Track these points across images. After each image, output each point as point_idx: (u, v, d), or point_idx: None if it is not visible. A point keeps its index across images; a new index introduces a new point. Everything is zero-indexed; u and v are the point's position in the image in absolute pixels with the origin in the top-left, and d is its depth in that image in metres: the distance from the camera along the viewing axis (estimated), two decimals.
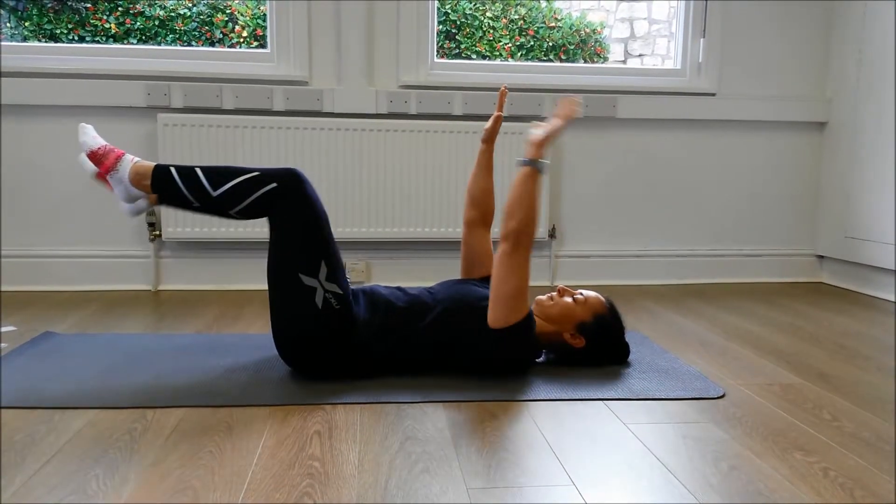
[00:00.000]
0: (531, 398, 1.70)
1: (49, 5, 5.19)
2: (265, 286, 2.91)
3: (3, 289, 2.86)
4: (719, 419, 1.60)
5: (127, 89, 2.82)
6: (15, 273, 2.87)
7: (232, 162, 2.84)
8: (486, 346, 1.79)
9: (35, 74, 2.78)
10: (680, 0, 3.20)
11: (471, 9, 5.65)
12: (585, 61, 5.96)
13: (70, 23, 5.21)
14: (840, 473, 1.34)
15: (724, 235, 3.29)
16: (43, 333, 2.19)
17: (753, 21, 3.17)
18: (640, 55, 6.94)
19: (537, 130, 1.81)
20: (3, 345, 2.10)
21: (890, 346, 2.25)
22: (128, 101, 2.83)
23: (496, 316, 1.76)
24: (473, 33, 5.67)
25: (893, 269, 2.87)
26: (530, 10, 5.83)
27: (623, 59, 6.90)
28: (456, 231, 3.00)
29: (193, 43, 5.31)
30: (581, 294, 1.93)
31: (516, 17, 5.81)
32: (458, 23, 5.64)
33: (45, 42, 5.07)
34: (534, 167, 1.76)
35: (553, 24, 5.88)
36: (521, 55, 5.78)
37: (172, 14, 5.27)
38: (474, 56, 5.65)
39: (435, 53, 3.04)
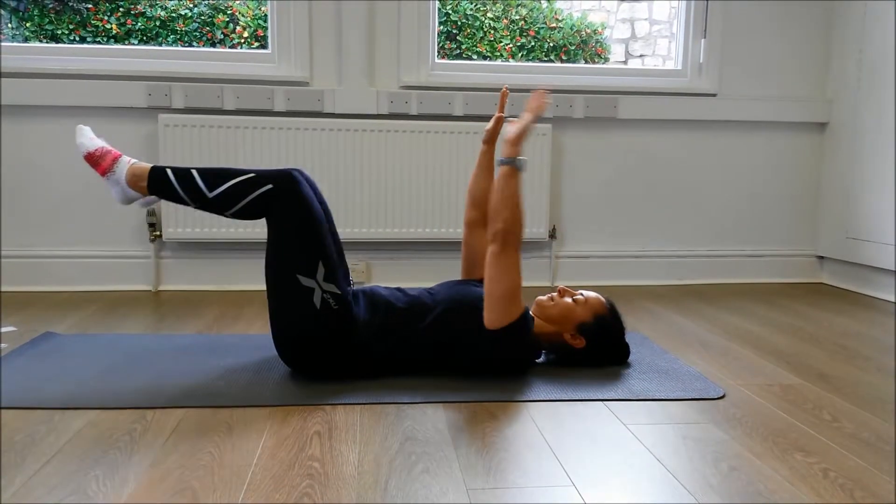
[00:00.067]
0: (531, 399, 1.70)
1: (50, 6, 5.20)
2: (265, 287, 2.91)
3: (4, 289, 2.87)
4: (719, 420, 1.60)
5: (128, 90, 2.82)
6: (15, 273, 2.87)
7: (233, 163, 2.84)
8: (485, 346, 1.79)
9: (36, 75, 2.79)
10: (681, 0, 3.20)
11: (472, 9, 5.65)
12: (586, 62, 5.97)
13: (71, 23, 5.21)
14: (840, 474, 1.34)
15: (724, 236, 3.29)
16: (43, 334, 2.19)
17: (754, 22, 3.17)
18: (640, 56, 6.94)
19: (511, 128, 1.82)
20: (3, 345, 2.10)
21: (890, 347, 2.24)
22: (129, 102, 2.83)
23: (491, 317, 1.76)
24: (474, 34, 5.67)
25: (894, 269, 2.87)
26: (531, 10, 5.84)
27: (624, 59, 6.90)
28: (456, 232, 3.00)
29: (194, 43, 5.32)
30: (581, 294, 1.93)
31: (517, 17, 5.81)
32: (459, 23, 5.65)
33: (47, 43, 5.08)
34: (512, 165, 1.77)
35: (554, 25, 5.88)
36: (522, 56, 5.78)
37: (173, 15, 5.27)
38: (475, 57, 5.66)
39: (436, 54, 3.04)
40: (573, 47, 5.92)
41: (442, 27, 5.59)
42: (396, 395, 1.70)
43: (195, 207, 1.79)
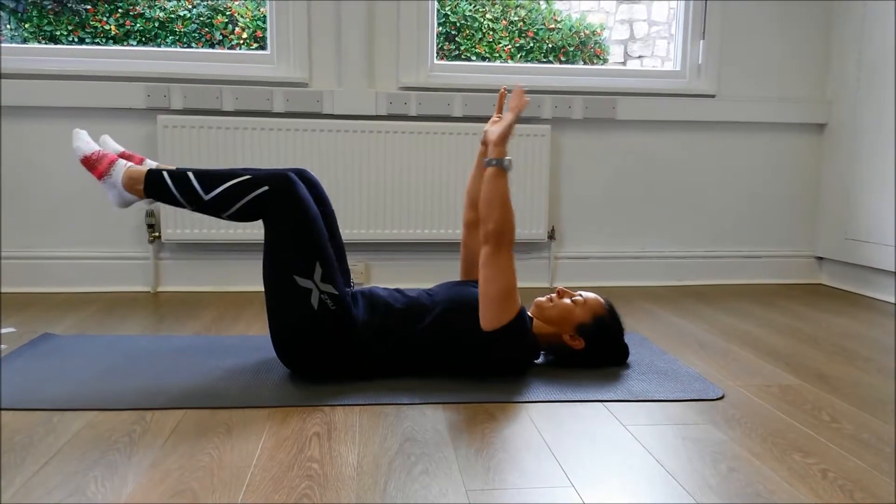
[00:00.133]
0: (530, 399, 1.70)
1: (49, 7, 5.20)
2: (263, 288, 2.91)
3: (3, 290, 2.86)
4: (718, 420, 1.60)
5: (127, 91, 2.82)
6: (14, 274, 2.87)
7: (232, 164, 2.84)
8: (484, 347, 1.79)
9: (35, 76, 2.79)
10: (679, 1, 3.21)
11: (471, 10, 5.65)
12: (585, 63, 5.97)
13: (70, 24, 5.21)
14: (839, 475, 1.34)
15: (723, 237, 3.30)
16: (42, 335, 2.19)
17: (753, 22, 3.18)
18: (639, 57, 6.94)
19: (494, 129, 1.83)
20: (2, 346, 2.10)
21: (889, 348, 2.25)
22: (128, 103, 2.83)
23: (487, 318, 1.76)
24: (473, 35, 5.68)
25: (893, 270, 2.87)
26: (530, 11, 5.84)
27: (623, 60, 6.90)
28: (455, 233, 3.00)
29: (193, 45, 5.31)
30: (580, 295, 1.93)
31: (516, 18, 5.81)
32: (458, 24, 5.65)
33: (45, 44, 5.07)
34: (499, 166, 1.77)
35: (553, 26, 5.88)
36: (521, 57, 5.79)
37: (172, 16, 5.27)
38: (474, 58, 5.66)
39: (435, 55, 3.05)
40: (572, 48, 5.92)
41: (441, 28, 5.59)
42: (395, 396, 1.70)
43: (191, 210, 1.80)
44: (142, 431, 1.49)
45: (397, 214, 2.97)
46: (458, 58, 5.65)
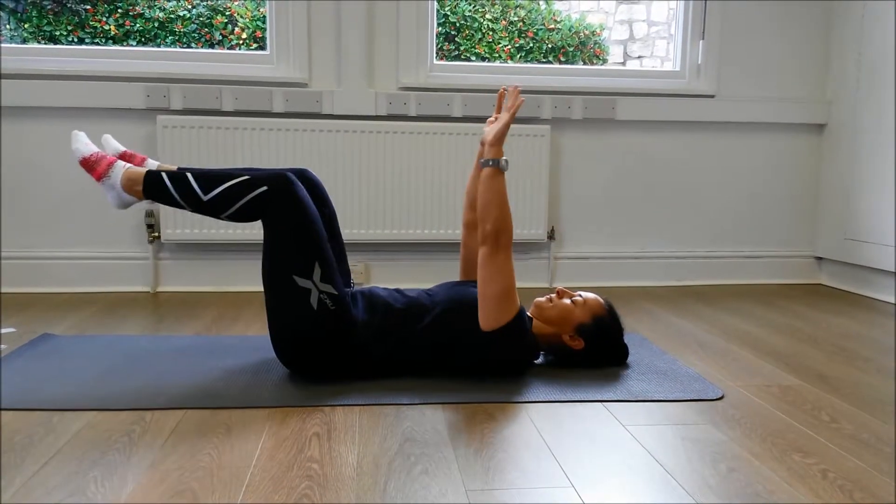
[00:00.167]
0: (530, 400, 1.70)
1: (49, 7, 5.20)
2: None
3: (3, 290, 2.86)
4: (718, 421, 1.60)
5: (126, 91, 2.82)
6: (14, 274, 2.87)
7: (231, 164, 2.84)
8: (483, 347, 1.79)
9: (35, 76, 2.79)
10: (679, 1, 3.21)
11: (470, 11, 5.65)
12: (585, 63, 5.97)
13: (69, 24, 5.21)
14: (839, 475, 1.34)
15: (723, 237, 3.30)
16: (42, 335, 2.19)
17: (752, 23, 3.18)
18: (639, 57, 6.95)
19: (490, 129, 1.83)
20: (2, 346, 2.10)
21: (889, 348, 2.25)
22: (127, 103, 2.83)
23: (486, 318, 1.76)
24: (473, 35, 5.68)
25: (893, 270, 2.87)
26: (530, 11, 5.84)
27: (622, 60, 6.91)
28: (455, 233, 3.00)
29: (193, 45, 5.32)
30: (580, 296, 1.93)
31: (515, 19, 5.81)
32: (458, 25, 5.65)
33: (45, 44, 5.07)
34: (495, 166, 1.77)
35: (552, 26, 5.88)
36: (521, 57, 5.79)
37: (172, 16, 5.27)
38: (474, 58, 5.66)
39: (434, 55, 3.05)
40: (572, 49, 5.92)
41: (440, 28, 5.59)
42: (395, 397, 1.70)
43: (190, 210, 1.80)
44: (141, 432, 1.49)
45: (397, 214, 2.97)
46: (457, 58, 5.65)
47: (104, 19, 5.20)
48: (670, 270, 3.26)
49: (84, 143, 1.86)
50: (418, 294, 1.90)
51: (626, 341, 2.01)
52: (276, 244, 1.75)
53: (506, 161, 1.79)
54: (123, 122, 2.86)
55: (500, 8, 5.77)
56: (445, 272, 3.07)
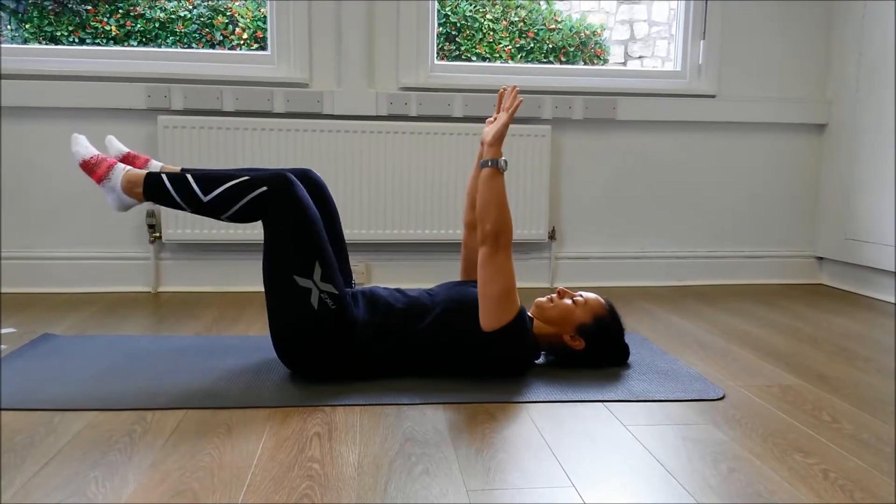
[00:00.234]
0: (530, 400, 1.70)
1: (49, 7, 5.20)
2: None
3: (3, 290, 2.86)
4: (719, 421, 1.60)
5: (127, 91, 2.83)
6: (14, 275, 2.87)
7: (232, 164, 2.84)
8: (484, 347, 1.79)
9: (35, 76, 2.79)
10: (680, 1, 3.21)
11: (471, 11, 5.65)
12: (585, 63, 5.97)
13: (70, 25, 5.22)
14: (840, 475, 1.34)
15: (723, 237, 3.30)
16: (42, 335, 2.19)
17: (753, 23, 3.18)
18: (640, 57, 6.94)
19: (489, 129, 1.83)
20: (2, 346, 2.10)
21: (890, 348, 2.25)
22: (128, 104, 2.83)
23: (487, 318, 1.76)
24: (473, 35, 5.68)
25: (893, 270, 2.87)
26: (530, 12, 5.84)
27: (623, 61, 6.90)
28: (455, 233, 3.00)
29: (194, 45, 5.32)
30: (580, 296, 1.93)
31: (516, 19, 5.81)
32: (459, 25, 5.65)
33: (46, 44, 5.08)
34: (494, 167, 1.77)
35: (553, 27, 5.88)
36: (521, 57, 5.79)
37: (173, 16, 5.28)
38: (474, 58, 5.66)
39: (435, 55, 3.05)
40: (572, 49, 5.92)
41: (441, 29, 5.59)
42: (396, 397, 1.70)
43: (191, 212, 1.80)
44: (142, 432, 1.49)
45: (397, 215, 2.97)
46: (458, 58, 5.65)
47: (105, 20, 5.20)
48: (671, 270, 3.26)
49: (84, 146, 1.86)
50: (419, 294, 1.90)
51: (626, 341, 2.01)
52: (276, 244, 1.75)
53: (505, 161, 1.79)
54: (124, 123, 2.86)
55: (501, 8, 5.77)
56: (446, 272, 3.07)
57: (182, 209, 1.80)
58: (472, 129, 2.96)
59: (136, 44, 5.23)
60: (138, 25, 5.24)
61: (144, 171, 1.82)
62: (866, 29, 3.03)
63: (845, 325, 2.53)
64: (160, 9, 5.26)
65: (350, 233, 2.92)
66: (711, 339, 2.31)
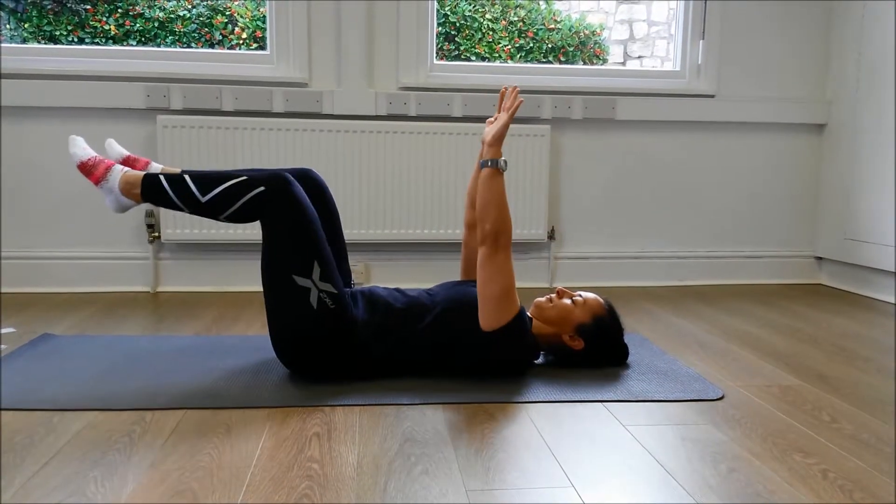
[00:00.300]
0: (530, 400, 1.70)
1: (49, 7, 5.20)
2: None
3: (3, 290, 2.86)
4: (718, 421, 1.60)
5: (126, 91, 2.82)
6: (14, 274, 2.87)
7: (232, 164, 2.84)
8: (483, 347, 1.79)
9: (35, 76, 2.79)
10: (679, 1, 3.21)
11: (470, 11, 5.65)
12: (585, 63, 5.97)
13: (69, 24, 5.21)
14: (839, 475, 1.34)
15: (723, 237, 3.30)
16: (42, 335, 2.19)
17: (752, 22, 3.18)
18: (639, 57, 6.94)
19: (489, 129, 1.83)
20: (2, 346, 2.10)
21: (889, 348, 2.25)
22: (127, 103, 2.83)
23: (486, 318, 1.76)
24: (473, 35, 5.68)
25: (893, 270, 2.87)
26: (530, 12, 5.84)
27: (622, 60, 6.90)
28: (455, 233, 3.00)
29: (193, 45, 5.32)
30: (580, 296, 1.93)
31: (515, 19, 5.81)
32: (458, 25, 5.65)
33: (45, 44, 5.07)
34: (494, 167, 1.77)
35: (552, 26, 5.88)
36: (521, 57, 5.79)
37: (172, 16, 5.27)
38: (474, 58, 5.66)
39: (434, 55, 3.05)
40: (572, 49, 5.92)
41: (440, 28, 5.59)
42: (395, 397, 1.70)
43: (189, 212, 1.80)
44: (142, 432, 1.49)
45: (397, 214, 2.97)
46: (457, 58, 5.65)
47: (104, 19, 5.20)
48: (670, 270, 3.26)
49: (81, 148, 1.86)
50: (419, 294, 1.90)
51: (626, 341, 2.01)
52: (274, 244, 1.75)
53: (504, 161, 1.79)
54: (123, 122, 2.86)
55: (501, 8, 5.77)
56: (445, 272, 3.07)
57: (180, 210, 1.80)
58: (472, 128, 2.96)
59: (135, 43, 5.23)
60: (137, 25, 5.24)
61: (142, 173, 1.82)
62: (866, 29, 3.03)
63: (845, 326, 2.53)
64: (159, 8, 5.25)
65: (349, 233, 2.92)
66: (711, 340, 2.31)
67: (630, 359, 2.04)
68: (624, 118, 3.12)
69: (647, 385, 1.82)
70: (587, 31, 6.01)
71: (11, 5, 5.20)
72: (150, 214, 2.88)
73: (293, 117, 2.91)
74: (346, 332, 1.77)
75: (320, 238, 1.77)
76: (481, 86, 3.00)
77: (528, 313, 1.93)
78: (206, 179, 1.78)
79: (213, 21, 5.32)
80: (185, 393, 1.71)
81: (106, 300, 2.76)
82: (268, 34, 2.96)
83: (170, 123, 2.79)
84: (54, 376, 1.82)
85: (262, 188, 1.75)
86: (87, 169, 1.83)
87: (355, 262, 2.99)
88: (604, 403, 1.70)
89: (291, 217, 1.75)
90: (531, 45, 5.82)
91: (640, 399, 1.72)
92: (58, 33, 5.19)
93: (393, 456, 1.39)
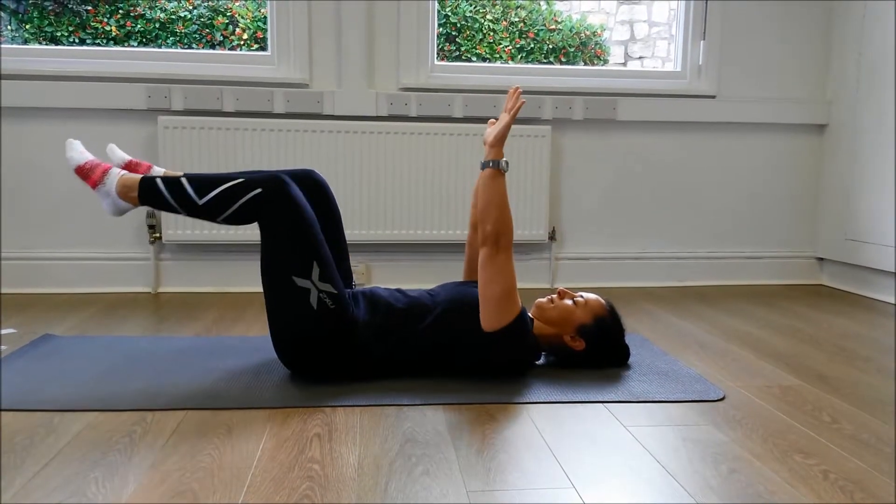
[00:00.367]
0: (531, 400, 1.70)
1: (50, 8, 5.20)
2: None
3: (3, 291, 2.86)
4: (719, 421, 1.60)
5: (127, 92, 2.83)
6: (15, 275, 2.87)
7: (232, 164, 2.84)
8: (484, 347, 1.79)
9: (35, 77, 2.79)
10: (680, 1, 3.21)
11: (471, 11, 5.65)
12: (585, 64, 5.97)
13: (71, 25, 5.22)
14: (840, 476, 1.34)
15: (724, 238, 3.30)
16: (42, 336, 2.19)
17: (753, 23, 3.18)
18: (640, 57, 6.94)
19: (490, 130, 1.83)
20: (2, 347, 2.10)
21: (890, 348, 2.24)
22: (128, 104, 2.83)
23: (488, 319, 1.76)
24: (474, 36, 5.68)
25: (893, 271, 2.87)
26: (530, 12, 5.84)
27: (623, 61, 6.90)
28: (455, 233, 3.00)
29: (194, 45, 5.32)
30: (581, 296, 1.93)
31: (516, 19, 5.81)
32: (459, 25, 5.65)
33: (46, 44, 5.08)
34: (495, 168, 1.77)
35: (553, 27, 5.88)
36: (522, 58, 5.79)
37: (173, 17, 5.28)
38: (474, 59, 5.66)
39: (435, 56, 3.05)
40: (572, 49, 5.92)
41: (441, 29, 5.59)
42: (396, 397, 1.70)
43: (186, 215, 1.80)
44: (142, 432, 1.49)
45: (398, 215, 2.97)
46: (458, 59, 5.65)
47: (105, 20, 5.21)
48: (671, 271, 3.26)
49: (78, 151, 1.86)
50: (420, 294, 1.90)
51: (627, 342, 2.01)
52: (273, 245, 1.75)
53: (506, 162, 1.79)
54: (124, 123, 2.86)
55: (501, 8, 5.77)
56: (446, 273, 3.07)
57: (177, 212, 1.80)
58: (473, 129, 2.96)
59: (136, 44, 5.23)
60: (138, 26, 5.24)
61: (139, 176, 1.82)
62: (866, 29, 3.03)
63: (845, 326, 2.53)
64: (160, 9, 5.26)
65: (350, 233, 2.92)
66: (712, 340, 2.31)
67: (631, 359, 2.04)
68: (625, 119, 3.12)
69: (647, 386, 1.82)
70: (588, 32, 6.01)
71: (12, 6, 5.20)
72: (151, 215, 2.88)
73: (294, 118, 2.91)
74: (346, 332, 1.77)
75: (319, 239, 1.77)
76: (482, 86, 3.00)
77: (530, 314, 1.93)
78: (204, 182, 1.78)
79: (214, 22, 5.33)
80: (186, 394, 1.71)
81: (106, 301, 2.76)
82: (268, 35, 2.97)
83: (171, 124, 2.80)
84: (55, 377, 1.82)
85: (259, 190, 1.75)
86: (83, 172, 1.83)
87: (356, 263, 2.99)
88: (605, 404, 1.70)
89: (289, 218, 1.75)
90: (532, 45, 5.82)
91: (640, 400, 1.72)
92: (59, 34, 5.19)
93: (394, 457, 1.39)
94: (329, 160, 2.90)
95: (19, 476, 1.29)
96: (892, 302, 2.92)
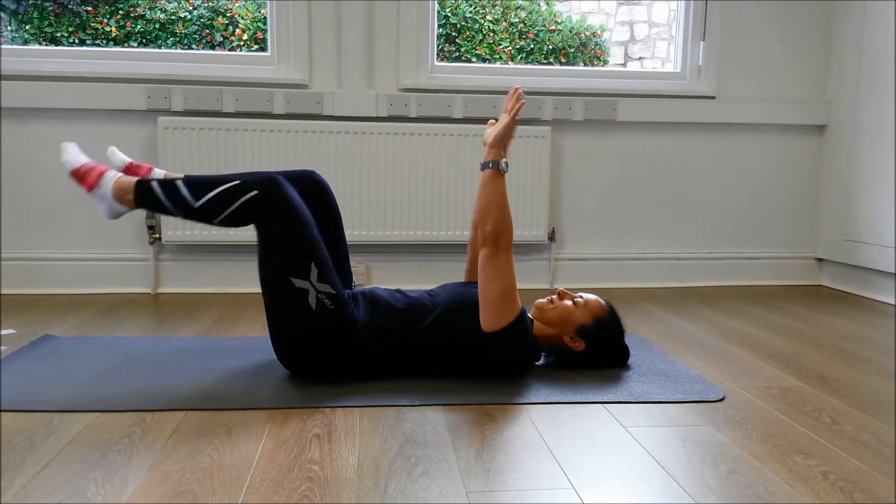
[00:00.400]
0: (530, 401, 1.70)
1: (50, 8, 5.20)
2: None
3: (3, 291, 2.86)
4: (719, 422, 1.60)
5: (127, 92, 2.83)
6: (14, 276, 2.87)
7: (232, 165, 2.84)
8: (484, 347, 1.79)
9: (35, 77, 2.79)
10: (679, 2, 3.21)
11: (471, 12, 5.66)
12: (585, 64, 5.97)
13: (70, 26, 5.22)
14: (840, 476, 1.34)
15: (723, 238, 3.30)
16: (42, 336, 2.19)
17: (753, 23, 3.18)
18: (640, 58, 6.94)
19: (491, 131, 1.83)
20: (2, 348, 2.10)
21: (890, 349, 2.24)
22: (128, 105, 2.83)
23: (488, 319, 1.76)
24: (473, 36, 5.68)
25: (893, 272, 2.87)
26: (530, 13, 5.84)
27: (623, 62, 6.90)
28: (455, 234, 3.00)
29: (194, 46, 5.32)
30: (581, 297, 1.93)
31: (516, 20, 5.81)
32: (459, 26, 5.65)
33: (46, 45, 5.08)
34: (495, 168, 1.77)
35: (553, 28, 5.89)
36: (522, 58, 5.79)
37: (173, 17, 5.28)
38: (474, 59, 5.66)
39: (435, 56, 3.05)
40: (572, 50, 5.92)
41: (441, 30, 5.59)
42: (396, 398, 1.70)
43: (182, 217, 1.80)
44: (142, 433, 1.49)
45: (397, 216, 2.97)
46: (458, 59, 5.65)
47: (105, 21, 5.21)
48: (671, 272, 3.26)
49: (74, 154, 1.86)
50: (420, 294, 1.90)
51: (626, 343, 2.01)
52: (270, 247, 1.75)
53: (506, 163, 1.79)
54: (124, 124, 2.86)
55: (501, 9, 5.77)
56: (446, 273, 3.07)
57: (173, 215, 1.80)
58: (472, 130, 2.96)
59: (136, 45, 5.24)
60: (138, 26, 5.24)
61: (135, 178, 1.82)
62: (866, 29, 3.03)
63: (845, 327, 2.53)
64: (160, 10, 5.26)
65: (350, 234, 2.92)
66: (711, 341, 2.31)
67: (631, 360, 2.04)
68: (625, 119, 3.12)
69: (647, 386, 1.82)
70: (588, 33, 6.01)
71: (12, 7, 5.20)
72: (150, 216, 2.88)
73: (294, 119, 2.91)
74: (345, 332, 1.77)
75: (316, 239, 1.77)
76: (482, 87, 3.01)
77: (529, 314, 1.93)
78: (199, 184, 1.78)
79: (214, 22, 5.33)
80: (186, 394, 1.71)
81: (106, 301, 2.76)
82: (268, 35, 2.97)
83: (171, 125, 2.80)
84: (55, 377, 1.82)
85: (255, 192, 1.75)
86: (79, 176, 1.83)
87: (356, 264, 2.99)
88: (604, 405, 1.70)
89: (285, 220, 1.75)
90: (532, 46, 5.82)
91: (640, 400, 1.72)
92: (59, 35, 5.19)
93: (393, 457, 1.39)
94: (329, 161, 2.90)
95: (19, 476, 1.29)
96: (892, 303, 2.92)
